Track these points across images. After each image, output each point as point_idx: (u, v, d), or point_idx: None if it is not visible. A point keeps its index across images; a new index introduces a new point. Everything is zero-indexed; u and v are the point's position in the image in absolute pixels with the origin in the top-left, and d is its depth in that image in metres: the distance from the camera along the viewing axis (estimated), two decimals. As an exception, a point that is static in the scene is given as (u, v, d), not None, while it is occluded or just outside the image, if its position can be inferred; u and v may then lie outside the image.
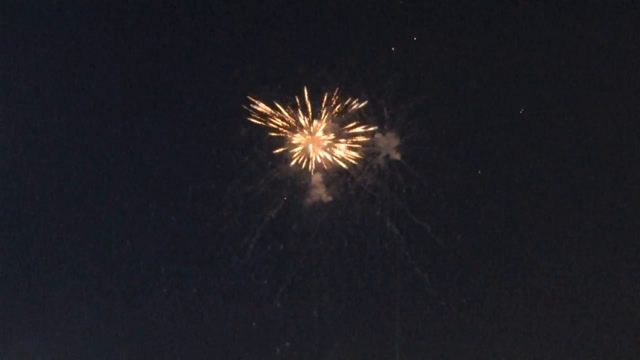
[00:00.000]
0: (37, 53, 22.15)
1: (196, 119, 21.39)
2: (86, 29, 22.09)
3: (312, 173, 21.00)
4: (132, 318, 21.82)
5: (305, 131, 20.87)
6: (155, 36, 21.70)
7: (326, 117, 20.73)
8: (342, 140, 20.95)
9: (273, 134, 20.83)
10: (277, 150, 20.91)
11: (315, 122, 20.83)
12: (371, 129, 20.77)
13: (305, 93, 20.58)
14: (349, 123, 20.84)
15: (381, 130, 20.78)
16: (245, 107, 20.59)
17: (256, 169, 20.94)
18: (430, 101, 20.55)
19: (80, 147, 22.32)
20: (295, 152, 20.96)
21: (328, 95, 20.60)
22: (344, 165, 20.96)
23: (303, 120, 20.83)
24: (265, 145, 20.96)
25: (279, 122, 20.81)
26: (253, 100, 20.64)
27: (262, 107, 20.71)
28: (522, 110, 20.81)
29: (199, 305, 21.41)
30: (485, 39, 20.89)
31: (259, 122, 20.70)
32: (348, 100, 20.65)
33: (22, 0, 22.21)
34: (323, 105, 20.62)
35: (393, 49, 20.70)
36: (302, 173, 21.04)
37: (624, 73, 20.61)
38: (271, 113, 20.75)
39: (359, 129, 20.83)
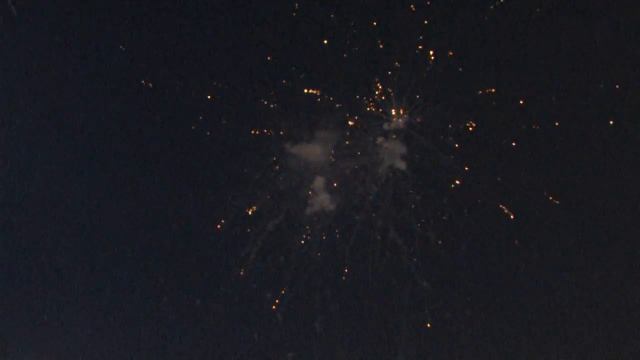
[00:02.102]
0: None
1: (197, 128, 20.93)
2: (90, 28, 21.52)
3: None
4: (130, 328, 21.61)
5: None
6: (163, 36, 21.02)
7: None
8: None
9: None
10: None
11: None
12: None
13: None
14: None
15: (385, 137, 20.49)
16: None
17: (257, 178, 20.60)
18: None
19: (80, 152, 21.85)
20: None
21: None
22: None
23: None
24: (266, 154, 20.64)
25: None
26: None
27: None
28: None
29: (199, 317, 21.21)
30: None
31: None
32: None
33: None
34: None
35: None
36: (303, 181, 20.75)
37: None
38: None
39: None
